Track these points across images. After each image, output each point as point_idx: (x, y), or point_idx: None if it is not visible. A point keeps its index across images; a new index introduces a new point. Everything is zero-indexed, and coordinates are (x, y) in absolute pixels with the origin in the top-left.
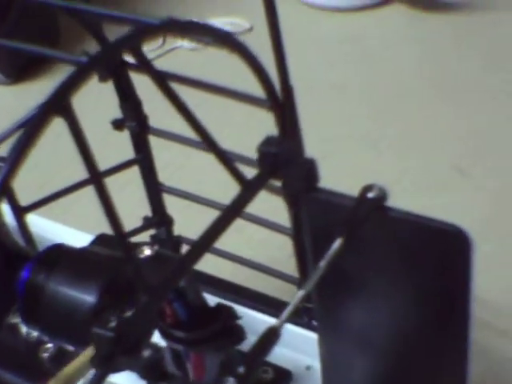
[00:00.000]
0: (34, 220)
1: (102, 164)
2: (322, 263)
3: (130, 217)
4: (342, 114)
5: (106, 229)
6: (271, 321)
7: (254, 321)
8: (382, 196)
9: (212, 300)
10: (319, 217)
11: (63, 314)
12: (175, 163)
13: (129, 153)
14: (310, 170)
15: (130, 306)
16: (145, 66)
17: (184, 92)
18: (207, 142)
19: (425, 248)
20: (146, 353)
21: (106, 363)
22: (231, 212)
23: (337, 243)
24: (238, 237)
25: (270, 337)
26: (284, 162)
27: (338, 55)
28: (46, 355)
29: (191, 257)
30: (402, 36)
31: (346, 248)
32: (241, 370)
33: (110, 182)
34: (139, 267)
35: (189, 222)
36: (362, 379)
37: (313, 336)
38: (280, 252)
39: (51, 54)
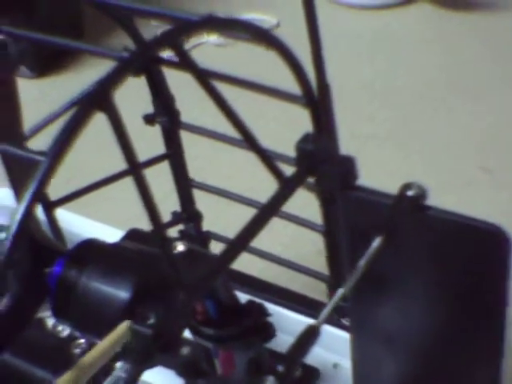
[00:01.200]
0: (62, 215)
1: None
2: (362, 262)
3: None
4: (369, 112)
5: (135, 224)
6: (300, 318)
7: (283, 318)
8: (422, 194)
9: (241, 297)
10: (356, 215)
11: (96, 310)
12: (203, 158)
13: (157, 148)
14: (348, 167)
15: (164, 302)
16: (187, 63)
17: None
18: (247, 139)
19: (464, 246)
20: (185, 350)
21: (144, 360)
22: (269, 209)
23: (376, 242)
24: (266, 233)
25: (310, 335)
26: (322, 159)
27: (363, 53)
28: (78, 351)
29: (230, 255)
30: (426, 34)
31: (385, 247)
32: (280, 368)
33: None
34: (177, 263)
35: (216, 218)
36: (393, 378)
37: (341, 334)
38: (308, 249)
39: (91, 49)
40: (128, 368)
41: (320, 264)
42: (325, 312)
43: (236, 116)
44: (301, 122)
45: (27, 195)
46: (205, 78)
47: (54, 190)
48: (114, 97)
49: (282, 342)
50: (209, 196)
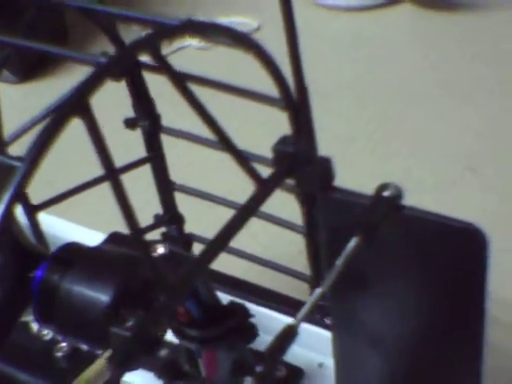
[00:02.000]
0: (43, 218)
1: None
2: (339, 261)
3: (140, 215)
4: (350, 113)
5: (117, 227)
6: (282, 318)
7: (265, 318)
8: (398, 194)
9: (223, 298)
10: (335, 215)
11: (78, 314)
12: (181, 162)
13: (136, 152)
14: (326, 168)
15: (145, 305)
16: (164, 67)
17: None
18: (224, 141)
19: (441, 246)
20: (163, 352)
21: (124, 362)
22: (247, 210)
23: (353, 242)
24: (245, 233)
25: (288, 335)
26: (300, 161)
27: (345, 54)
28: (60, 354)
29: (208, 255)
30: (410, 35)
31: (363, 247)
32: (259, 368)
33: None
34: (157, 265)
35: (198, 220)
36: (375, 377)
37: (325, 334)
38: (288, 249)
39: (69, 55)
40: (109, 371)
41: (301, 264)
42: (303, 311)
43: (212, 119)
44: (277, 123)
45: (5, 198)
46: (181, 80)
47: (36, 194)
48: (90, 102)
49: (265, 341)
50: (190, 198)
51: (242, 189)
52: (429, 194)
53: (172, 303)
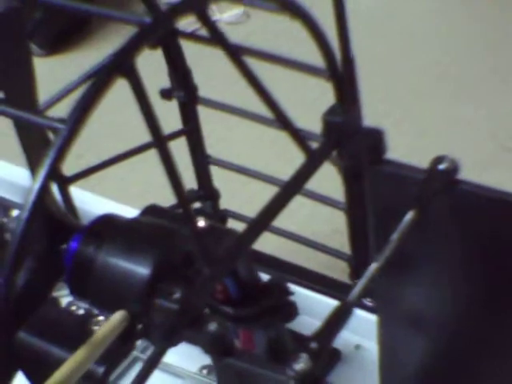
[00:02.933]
0: (75, 193)
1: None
2: (395, 236)
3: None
4: (384, 90)
5: (148, 202)
6: (322, 299)
7: (304, 299)
8: (454, 168)
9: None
10: (385, 190)
11: (115, 287)
12: (217, 135)
13: (170, 126)
14: (376, 140)
15: (186, 278)
16: (217, 36)
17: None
18: (276, 113)
19: (497, 222)
20: (211, 326)
21: (169, 336)
22: (295, 184)
23: (408, 216)
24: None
25: (343, 313)
26: (350, 131)
27: (377, 29)
28: (97, 328)
29: (254, 230)
30: (444, 10)
31: (417, 222)
32: (313, 345)
33: (149, 155)
34: (203, 237)
35: (233, 196)
36: (419, 360)
37: (363, 315)
38: (323, 228)
39: (111, 14)
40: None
41: (337, 243)
42: (358, 287)
43: (264, 89)
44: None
45: (45, 162)
46: (234, 51)
47: (66, 168)
48: (136, 63)
49: (304, 323)
50: (225, 174)
51: (276, 166)
52: (465, 173)
53: (216, 277)
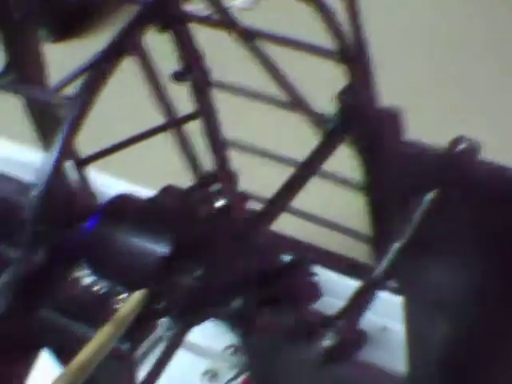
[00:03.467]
0: (92, 175)
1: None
2: (415, 217)
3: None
4: (410, 68)
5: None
6: (344, 280)
7: (327, 280)
8: (475, 148)
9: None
10: (405, 170)
11: (133, 265)
12: (230, 119)
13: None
14: (395, 120)
15: (205, 257)
16: (227, 19)
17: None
18: (290, 94)
19: None
20: (236, 302)
21: (193, 314)
22: (311, 164)
23: (429, 196)
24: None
25: (367, 291)
26: (368, 112)
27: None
28: (118, 306)
29: (271, 210)
30: None
31: (438, 203)
32: (339, 323)
33: (164, 138)
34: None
35: (250, 178)
36: (443, 339)
37: (389, 297)
38: (340, 210)
39: None
40: (173, 325)
41: (356, 225)
42: (380, 268)
43: (279, 71)
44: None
45: (58, 137)
46: (245, 34)
47: (85, 151)
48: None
49: (325, 303)
50: (242, 157)
51: (290, 148)
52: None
53: (236, 255)
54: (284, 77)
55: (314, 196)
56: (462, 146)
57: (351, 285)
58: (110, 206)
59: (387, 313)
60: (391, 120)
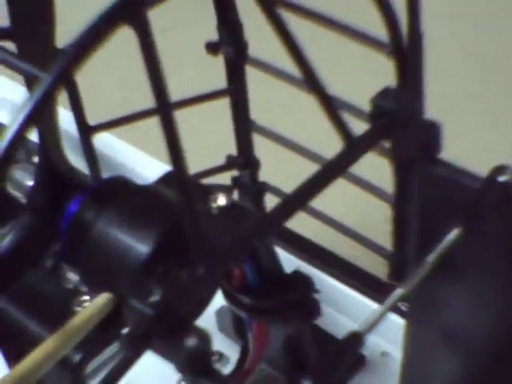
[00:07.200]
0: (105, 138)
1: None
2: (432, 256)
3: (211, 153)
4: (459, 72)
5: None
6: (355, 296)
7: (336, 294)
8: None
9: (292, 262)
10: (434, 193)
11: (108, 261)
12: (273, 101)
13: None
14: (431, 135)
15: (186, 265)
16: None
17: None
18: (312, 84)
19: None
20: (190, 341)
21: (140, 345)
22: (332, 170)
23: (453, 234)
24: (328, 188)
25: (352, 344)
26: (401, 120)
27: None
28: (78, 309)
29: (276, 217)
30: None
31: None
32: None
33: (196, 110)
34: (199, 221)
35: (275, 169)
36: (444, 375)
37: (394, 319)
38: (374, 215)
39: None
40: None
41: (380, 237)
42: (374, 315)
43: (302, 54)
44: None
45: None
46: (271, 6)
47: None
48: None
49: (332, 318)
50: (269, 144)
51: (333, 143)
52: None
53: (212, 276)
54: (305, 59)
55: (336, 199)
56: (502, 177)
57: (359, 301)
58: (98, 189)
59: (389, 337)
60: (428, 134)
